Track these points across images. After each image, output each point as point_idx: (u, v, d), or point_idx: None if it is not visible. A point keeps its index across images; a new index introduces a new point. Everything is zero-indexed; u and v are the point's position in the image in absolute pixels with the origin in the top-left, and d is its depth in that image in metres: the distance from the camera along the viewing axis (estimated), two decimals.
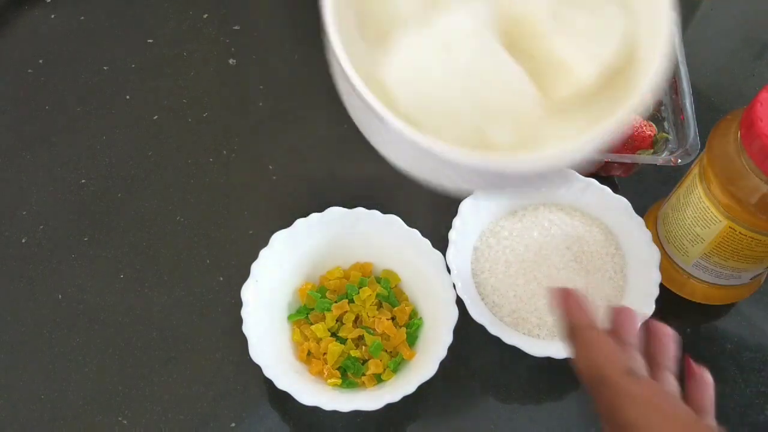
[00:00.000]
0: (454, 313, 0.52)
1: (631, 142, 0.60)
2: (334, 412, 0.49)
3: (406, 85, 0.33)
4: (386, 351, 0.53)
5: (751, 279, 0.55)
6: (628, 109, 0.33)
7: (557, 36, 0.35)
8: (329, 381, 0.52)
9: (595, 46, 0.35)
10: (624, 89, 0.35)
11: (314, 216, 0.55)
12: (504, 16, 0.35)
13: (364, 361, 0.53)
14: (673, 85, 0.62)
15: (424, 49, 0.34)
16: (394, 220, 0.55)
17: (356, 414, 0.49)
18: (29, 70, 0.67)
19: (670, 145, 0.60)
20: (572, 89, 0.35)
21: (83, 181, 0.62)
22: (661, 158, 0.58)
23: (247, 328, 0.51)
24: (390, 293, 0.55)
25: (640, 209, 0.57)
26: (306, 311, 0.54)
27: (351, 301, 0.54)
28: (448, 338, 0.51)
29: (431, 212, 0.59)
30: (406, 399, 0.49)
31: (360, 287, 0.54)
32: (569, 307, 0.38)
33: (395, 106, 0.33)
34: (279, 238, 0.54)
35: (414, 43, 0.34)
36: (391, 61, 0.34)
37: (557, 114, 0.35)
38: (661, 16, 0.34)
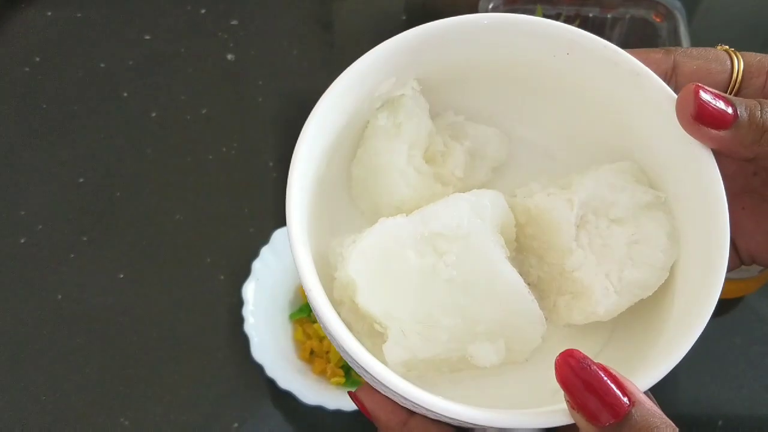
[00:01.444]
0: None
1: None
2: (338, 412, 0.48)
3: (368, 278, 0.27)
4: None
5: (759, 272, 0.54)
6: (647, 376, 0.26)
7: (584, 255, 0.29)
8: (332, 380, 0.51)
9: (629, 278, 0.28)
10: (647, 327, 0.29)
11: None
12: (519, 207, 0.30)
13: None
14: None
15: (397, 239, 0.27)
16: None
17: (360, 413, 0.48)
18: (26, 69, 0.66)
19: None
20: (589, 320, 0.29)
21: (81, 180, 0.61)
22: None
23: (248, 327, 0.50)
24: None
25: None
26: (308, 309, 0.54)
27: None
28: None
29: None
30: None
31: None
32: (373, 409, 0.32)
33: (356, 294, 0.28)
34: (280, 235, 0.54)
35: (387, 230, 0.28)
36: (359, 245, 0.28)
37: (561, 332, 0.30)
38: (716, 250, 0.27)
